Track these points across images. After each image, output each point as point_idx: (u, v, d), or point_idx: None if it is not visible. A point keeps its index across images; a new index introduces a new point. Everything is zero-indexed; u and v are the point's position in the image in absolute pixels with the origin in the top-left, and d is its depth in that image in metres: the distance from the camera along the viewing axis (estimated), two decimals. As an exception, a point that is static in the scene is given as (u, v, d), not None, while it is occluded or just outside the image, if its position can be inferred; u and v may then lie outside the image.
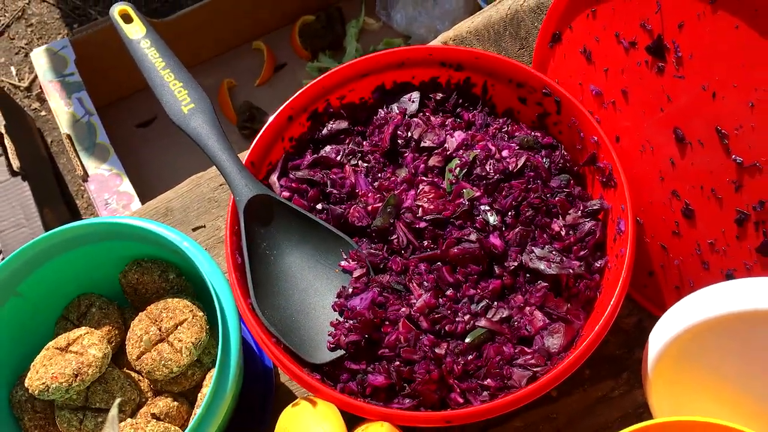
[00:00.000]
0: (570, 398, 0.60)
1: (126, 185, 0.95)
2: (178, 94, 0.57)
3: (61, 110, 1.02)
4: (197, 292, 0.61)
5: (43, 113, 1.27)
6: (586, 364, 0.60)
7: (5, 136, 1.02)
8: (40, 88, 1.27)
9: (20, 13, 1.32)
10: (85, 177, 0.95)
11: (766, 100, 0.43)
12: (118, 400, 0.46)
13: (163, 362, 0.55)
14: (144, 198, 0.96)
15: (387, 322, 0.52)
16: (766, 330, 0.45)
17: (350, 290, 0.54)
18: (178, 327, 0.56)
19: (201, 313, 0.57)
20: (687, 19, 0.46)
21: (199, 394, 0.56)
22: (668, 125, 0.51)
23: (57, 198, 1.14)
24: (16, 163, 1.02)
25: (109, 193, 0.95)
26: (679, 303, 0.48)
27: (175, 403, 0.56)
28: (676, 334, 0.48)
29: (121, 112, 1.22)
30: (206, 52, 1.30)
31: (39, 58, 1.05)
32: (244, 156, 0.57)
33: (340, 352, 0.52)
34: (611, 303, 0.50)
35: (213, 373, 0.53)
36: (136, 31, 0.58)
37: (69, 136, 0.99)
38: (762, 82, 0.43)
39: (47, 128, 1.26)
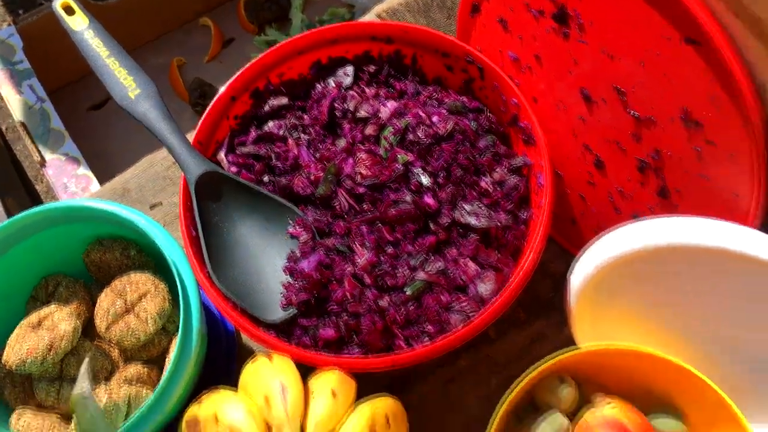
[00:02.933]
0: (508, 338, 0.66)
1: (83, 168, 0.98)
2: (124, 81, 0.60)
3: (13, 98, 1.03)
4: (157, 266, 0.65)
5: (-5, 102, 1.27)
6: (521, 308, 0.66)
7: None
8: (-10, 76, 1.27)
9: (-38, 2, 1.32)
10: (43, 163, 0.98)
11: (653, 59, 0.48)
12: (87, 358, 0.51)
13: (130, 332, 0.59)
14: (102, 179, 0.99)
15: (334, 281, 0.57)
16: (668, 263, 0.51)
17: (299, 254, 0.58)
18: (142, 299, 0.60)
19: (162, 285, 0.61)
20: (585, -11, 0.51)
21: (167, 359, 0.61)
22: (576, 86, 0.56)
23: (17, 185, 1.15)
24: (-27, 153, 1.03)
25: (67, 177, 0.97)
26: (589, 245, 0.54)
27: (145, 369, 0.61)
28: (590, 272, 0.53)
29: (73, 95, 1.24)
30: (153, 31, 1.31)
31: (-14, 47, 1.06)
32: (191, 136, 0.61)
33: (292, 311, 0.57)
34: (534, 247, 0.55)
35: (177, 339, 0.57)
36: (79, 22, 0.61)
37: (23, 124, 1.01)
38: (649, 42, 0.48)
39: (0, 116, 1.27)
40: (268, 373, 0.52)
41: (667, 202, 0.54)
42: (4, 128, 1.26)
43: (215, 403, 0.52)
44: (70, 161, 0.98)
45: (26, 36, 1.08)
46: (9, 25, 1.29)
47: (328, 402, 0.50)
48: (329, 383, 0.51)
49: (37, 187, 1.21)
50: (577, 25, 0.53)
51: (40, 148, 0.99)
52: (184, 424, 0.52)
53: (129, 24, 1.20)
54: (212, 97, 0.66)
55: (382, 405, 0.51)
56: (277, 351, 0.53)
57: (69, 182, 0.96)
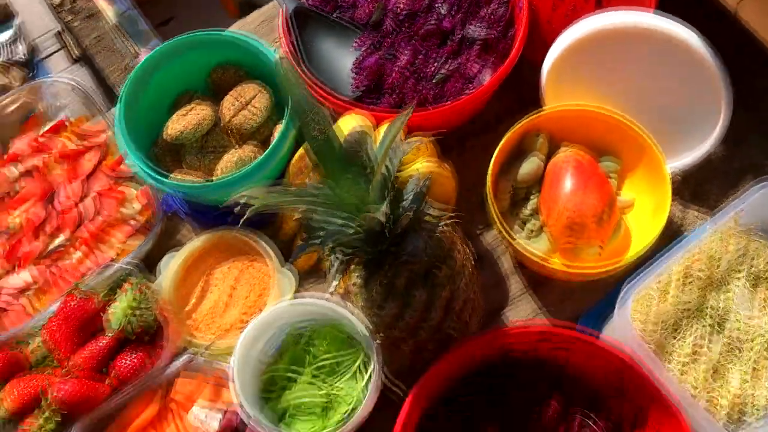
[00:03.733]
0: (500, 126, 0.94)
1: (168, 58, 1.26)
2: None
3: (107, 8, 1.32)
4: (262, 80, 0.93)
5: (76, 23, 1.55)
6: (511, 107, 0.95)
7: (65, 31, 1.32)
8: (71, 3, 1.55)
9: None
10: (137, 54, 1.26)
11: None
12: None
13: (246, 120, 0.88)
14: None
15: (385, 74, 0.86)
16: (603, 43, 0.80)
17: (361, 58, 0.88)
18: (254, 99, 0.89)
19: (266, 90, 0.90)
20: None
21: (272, 139, 0.90)
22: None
23: (104, 84, 1.44)
24: (75, 53, 1.32)
25: (156, 65, 1.26)
26: (558, 37, 0.83)
27: (257, 147, 0.89)
28: (554, 57, 0.83)
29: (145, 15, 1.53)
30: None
31: (81, -29, 1.35)
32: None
33: (359, 92, 0.86)
34: (514, 48, 0.85)
35: (280, 126, 0.86)
36: None
37: (118, 26, 1.30)
38: None
39: (81, 35, 1.55)
40: (353, 120, 0.81)
41: (601, 9, 0.83)
42: (87, 44, 1.54)
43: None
44: (158, 52, 1.26)
45: (113, -39, 1.36)
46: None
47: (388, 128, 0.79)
48: (386, 124, 0.80)
49: (119, 90, 1.49)
50: None
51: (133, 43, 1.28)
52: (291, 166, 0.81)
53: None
54: (260, 6, 0.99)
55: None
56: (355, 109, 0.82)
57: (159, 67, 1.24)
